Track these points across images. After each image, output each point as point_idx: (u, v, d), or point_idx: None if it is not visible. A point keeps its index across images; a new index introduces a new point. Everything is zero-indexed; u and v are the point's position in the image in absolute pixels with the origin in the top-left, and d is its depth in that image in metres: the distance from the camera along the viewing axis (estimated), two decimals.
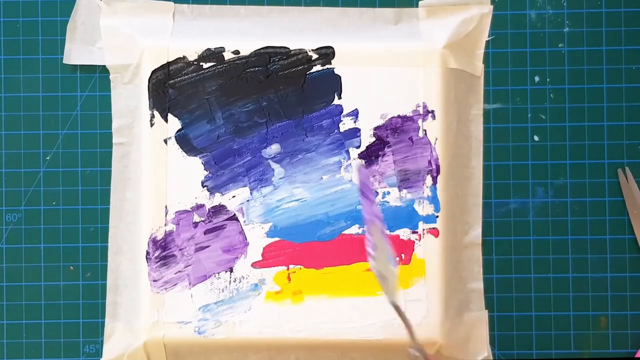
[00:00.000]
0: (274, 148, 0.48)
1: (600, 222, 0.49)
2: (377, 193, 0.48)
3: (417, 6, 0.49)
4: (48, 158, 0.49)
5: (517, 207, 0.49)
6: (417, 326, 0.47)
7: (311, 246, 0.48)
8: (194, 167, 0.48)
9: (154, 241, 0.47)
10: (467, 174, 0.49)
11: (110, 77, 0.49)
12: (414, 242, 0.47)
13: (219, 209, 0.48)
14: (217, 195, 0.48)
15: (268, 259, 0.47)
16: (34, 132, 0.49)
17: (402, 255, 0.47)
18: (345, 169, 0.48)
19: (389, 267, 0.41)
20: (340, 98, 0.48)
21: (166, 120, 0.48)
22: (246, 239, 0.48)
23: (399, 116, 0.48)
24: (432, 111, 0.47)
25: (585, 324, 0.49)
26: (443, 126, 0.48)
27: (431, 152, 0.47)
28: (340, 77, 0.48)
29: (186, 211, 0.47)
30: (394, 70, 0.47)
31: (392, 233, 0.47)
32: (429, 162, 0.47)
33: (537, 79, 0.49)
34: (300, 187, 0.48)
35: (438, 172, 0.47)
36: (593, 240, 0.49)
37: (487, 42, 0.49)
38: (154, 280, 0.47)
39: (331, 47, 0.48)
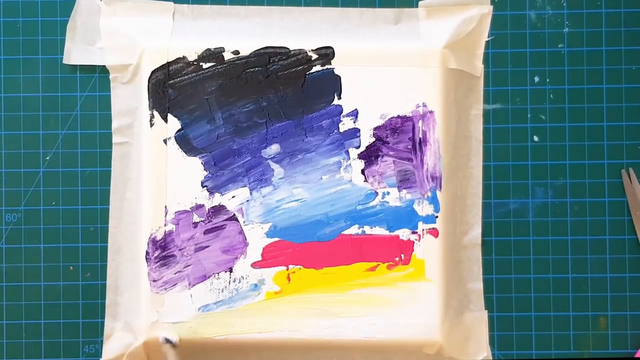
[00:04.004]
0: (274, 148, 0.48)
1: (600, 222, 0.49)
2: (376, 193, 0.48)
3: (417, 6, 0.49)
4: (48, 158, 0.49)
5: (516, 208, 0.49)
6: (416, 326, 0.47)
7: (311, 246, 0.47)
8: (194, 167, 0.48)
9: (153, 241, 0.47)
10: (467, 174, 0.49)
11: (110, 77, 0.49)
12: (413, 242, 0.47)
13: (218, 209, 0.48)
14: (217, 195, 0.48)
15: (268, 259, 0.47)
16: (34, 132, 0.49)
17: (402, 255, 0.47)
18: (345, 169, 0.48)
19: None
20: (340, 98, 0.48)
21: (166, 121, 0.48)
22: (246, 239, 0.48)
23: (398, 116, 0.48)
24: (432, 111, 0.47)
25: (585, 324, 0.49)
26: (443, 126, 0.48)
27: (431, 152, 0.47)
28: (340, 77, 0.48)
29: (186, 211, 0.47)
30: (394, 70, 0.47)
31: (392, 233, 0.47)
32: (429, 162, 0.47)
33: (537, 79, 0.49)
34: (300, 187, 0.48)
35: (438, 172, 0.47)
36: (593, 241, 0.49)
37: (487, 42, 0.49)
38: (154, 281, 0.47)
39: (331, 47, 0.48)
